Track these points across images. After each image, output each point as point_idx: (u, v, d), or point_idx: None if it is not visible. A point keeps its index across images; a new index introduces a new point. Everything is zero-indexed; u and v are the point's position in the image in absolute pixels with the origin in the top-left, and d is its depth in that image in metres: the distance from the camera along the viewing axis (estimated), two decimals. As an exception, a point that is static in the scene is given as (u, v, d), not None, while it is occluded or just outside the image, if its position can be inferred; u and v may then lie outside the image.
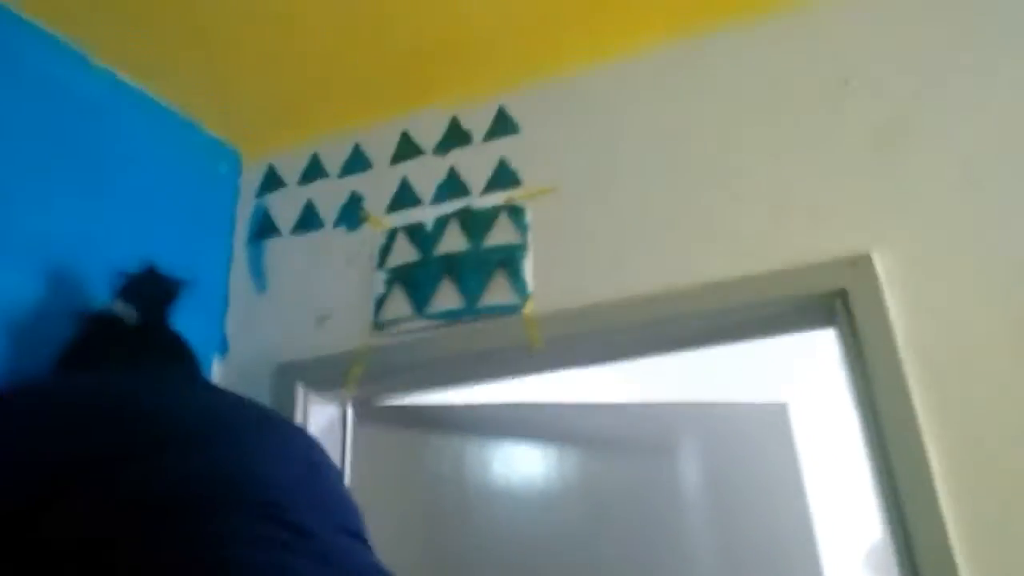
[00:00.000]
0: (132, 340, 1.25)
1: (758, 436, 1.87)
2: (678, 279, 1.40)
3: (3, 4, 1.41)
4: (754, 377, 2.06)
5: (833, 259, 1.32)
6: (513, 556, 1.75)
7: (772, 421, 1.88)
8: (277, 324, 1.71)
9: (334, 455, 1.67)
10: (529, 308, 1.49)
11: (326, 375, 1.61)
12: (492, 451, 1.82)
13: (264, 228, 1.82)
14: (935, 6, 1.43)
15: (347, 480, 1.67)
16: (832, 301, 1.33)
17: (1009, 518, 1.12)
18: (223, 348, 1.73)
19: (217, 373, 1.70)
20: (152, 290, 1.29)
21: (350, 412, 1.70)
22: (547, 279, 1.51)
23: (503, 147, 1.67)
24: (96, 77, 1.57)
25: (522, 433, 1.84)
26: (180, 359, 1.29)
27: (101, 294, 1.46)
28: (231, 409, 1.05)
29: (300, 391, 1.61)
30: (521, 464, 1.84)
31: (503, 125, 1.69)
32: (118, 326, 1.26)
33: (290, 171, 1.85)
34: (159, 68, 1.62)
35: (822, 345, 1.45)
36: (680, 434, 1.89)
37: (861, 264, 1.30)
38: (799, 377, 2.23)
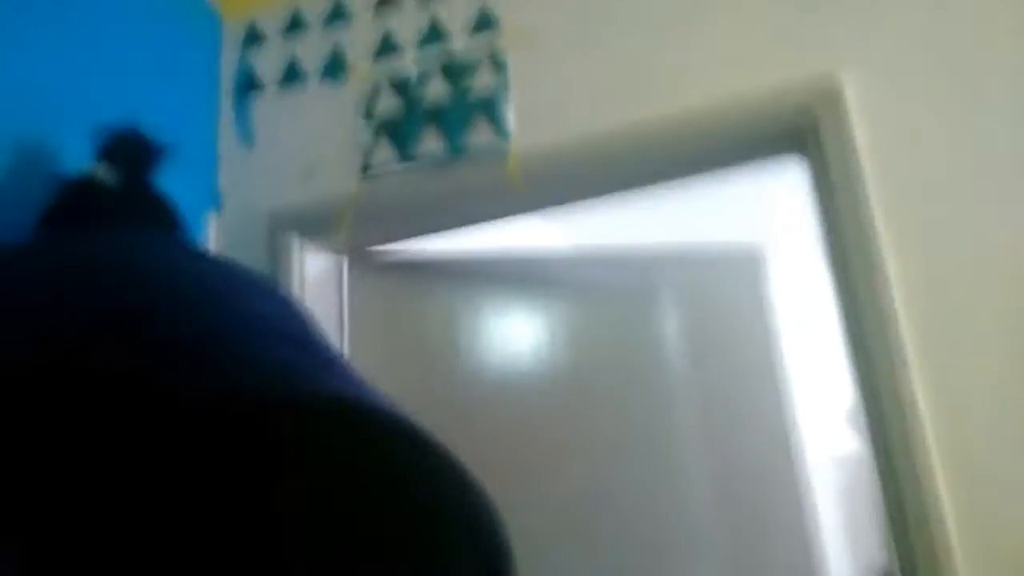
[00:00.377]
0: (116, 204, 1.20)
1: (732, 281, 1.96)
2: (651, 112, 1.44)
3: None
4: (733, 222, 2.13)
5: (801, 81, 1.36)
6: (502, 402, 1.87)
7: (746, 265, 1.96)
8: (268, 178, 1.76)
9: (330, 302, 1.76)
10: (510, 148, 1.54)
11: (318, 223, 1.67)
12: (482, 299, 1.91)
13: (248, 84, 1.84)
14: None
15: (344, 327, 1.77)
16: (801, 123, 1.37)
17: (959, 331, 1.21)
18: (216, 203, 1.78)
19: (212, 227, 1.76)
20: (135, 152, 1.24)
21: (345, 262, 1.78)
22: (527, 120, 1.56)
23: (485, -3, 1.67)
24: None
25: (511, 282, 1.92)
26: (166, 224, 1.24)
27: (80, 150, 1.50)
28: (226, 273, 0.99)
29: (295, 241, 1.67)
30: (510, 311, 1.94)
31: (482, -29, 1.68)
32: (100, 189, 1.20)
33: (272, 27, 1.85)
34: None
35: (798, 187, 1.51)
36: (660, 279, 1.97)
37: (828, 86, 1.34)
38: (778, 224, 2.30)
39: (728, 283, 1.96)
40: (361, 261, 1.79)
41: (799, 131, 1.38)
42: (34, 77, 1.45)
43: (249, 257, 1.69)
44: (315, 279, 1.73)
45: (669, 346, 1.96)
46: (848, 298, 1.27)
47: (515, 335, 1.95)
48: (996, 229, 1.22)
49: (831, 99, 1.33)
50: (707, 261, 1.96)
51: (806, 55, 1.38)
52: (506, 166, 1.52)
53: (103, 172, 1.22)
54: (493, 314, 1.94)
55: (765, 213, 2.25)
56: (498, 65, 1.61)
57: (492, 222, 1.67)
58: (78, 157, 1.44)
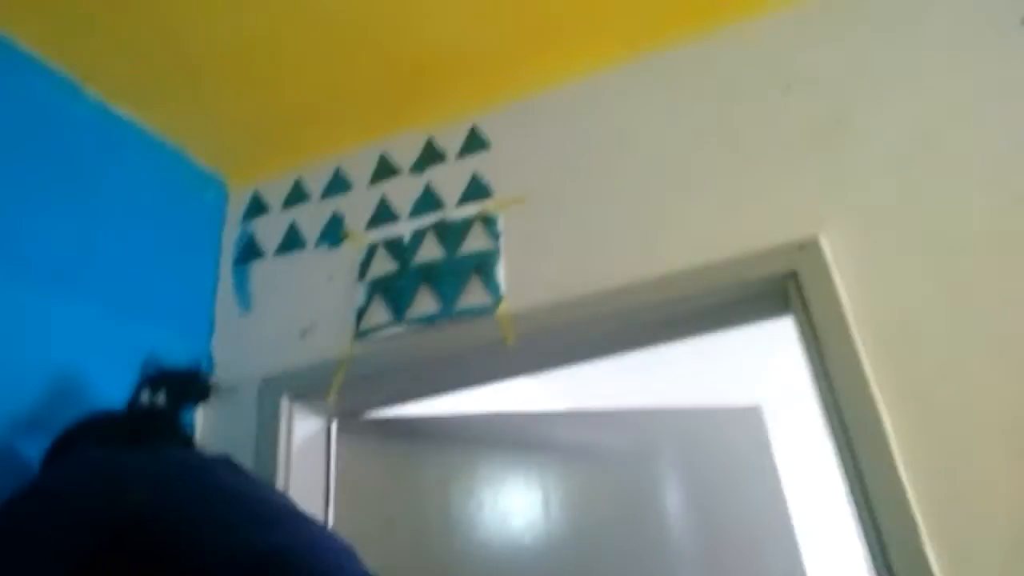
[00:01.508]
0: (161, 428, 1.28)
1: (734, 440, 1.91)
2: (639, 272, 1.47)
3: (5, 36, 1.51)
4: (728, 381, 2.11)
5: (783, 244, 1.39)
6: (498, 567, 1.77)
7: (747, 424, 1.92)
8: (262, 340, 1.76)
9: (317, 469, 1.71)
10: (502, 308, 1.55)
11: (310, 385, 1.65)
12: (475, 461, 1.85)
13: (249, 252, 1.89)
14: (863, 19, 1.55)
15: (331, 492, 1.70)
16: (784, 284, 1.39)
17: (960, 479, 1.16)
18: (209, 367, 1.77)
19: (204, 389, 1.74)
20: (189, 387, 1.34)
21: (335, 427, 1.74)
22: (519, 280, 1.58)
23: (475, 163, 1.76)
24: (87, 105, 1.66)
25: (505, 443, 1.88)
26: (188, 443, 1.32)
27: (89, 320, 1.52)
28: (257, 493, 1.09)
29: (285, 403, 1.65)
30: (505, 473, 1.87)
31: (475, 142, 1.78)
32: (155, 416, 1.30)
33: (274, 196, 1.93)
34: (148, 97, 1.72)
35: (792, 346, 1.51)
36: (659, 440, 1.92)
37: (809, 247, 1.37)
38: (772, 379, 2.28)
39: (730, 439, 1.91)
40: (351, 424, 1.76)
41: (784, 291, 1.39)
42: (47, 248, 1.50)
43: (239, 420, 1.67)
44: (303, 443, 1.69)
45: (671, 506, 1.88)
46: (848, 453, 1.24)
47: (511, 500, 1.88)
48: (985, 372, 1.20)
49: (813, 259, 1.36)
50: (707, 418, 1.92)
51: (787, 217, 1.42)
52: (499, 326, 1.53)
53: (147, 396, 1.32)
54: (488, 478, 1.87)
55: (761, 369, 2.24)
56: (490, 228, 1.66)
57: (486, 384, 1.65)
58: (86, 321, 1.47)
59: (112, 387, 1.54)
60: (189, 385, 1.32)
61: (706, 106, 1.59)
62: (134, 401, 1.28)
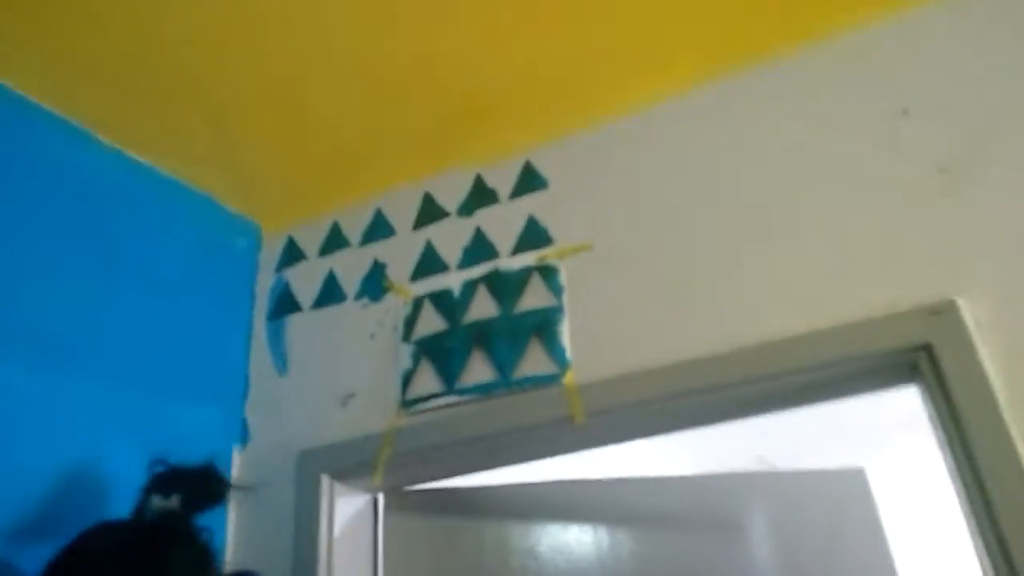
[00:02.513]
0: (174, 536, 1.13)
1: (835, 505, 1.67)
2: (734, 340, 1.25)
3: (9, 88, 1.36)
4: (826, 440, 1.87)
5: (912, 308, 1.15)
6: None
7: (849, 488, 1.69)
8: (300, 407, 1.59)
9: (364, 549, 1.53)
10: (569, 378, 1.35)
11: (352, 461, 1.47)
12: (537, 535, 1.65)
13: (284, 304, 1.72)
14: (999, 23, 1.29)
15: (379, 573, 1.53)
16: (914, 356, 1.16)
17: None
18: (244, 437, 1.61)
19: (237, 463, 1.58)
20: (203, 488, 1.18)
21: (380, 501, 1.56)
22: (587, 345, 1.37)
23: (531, 204, 1.55)
24: (104, 156, 1.51)
25: (569, 514, 1.67)
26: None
27: (109, 392, 1.37)
28: None
29: (325, 482, 1.48)
30: (571, 548, 1.67)
31: (530, 181, 1.57)
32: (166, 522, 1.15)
33: (310, 242, 1.76)
34: (168, 144, 1.56)
35: (900, 402, 1.28)
36: (746, 507, 1.70)
37: (946, 312, 1.14)
38: (876, 439, 2.03)
39: (829, 505, 1.68)
40: (399, 498, 1.58)
41: (913, 363, 1.16)
42: (68, 313, 1.36)
43: (276, 496, 1.50)
44: (347, 521, 1.51)
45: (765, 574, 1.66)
46: (995, 541, 1.02)
47: (578, 572, 1.67)
48: None
49: (950, 327, 1.12)
50: (804, 481, 1.69)
51: (916, 275, 1.19)
52: (567, 401, 1.32)
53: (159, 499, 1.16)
54: (551, 550, 1.67)
55: (864, 432, 1.99)
56: (551, 280, 1.45)
57: (548, 458, 1.45)
58: (107, 394, 1.33)
59: (135, 475, 1.38)
60: (203, 485, 1.15)
61: (802, 137, 1.36)
62: (142, 506, 1.11)
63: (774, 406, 1.29)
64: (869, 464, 1.70)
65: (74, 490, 1.27)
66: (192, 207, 1.68)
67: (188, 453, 1.48)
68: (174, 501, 1.13)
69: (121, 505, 1.30)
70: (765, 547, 1.69)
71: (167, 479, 1.14)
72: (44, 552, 1.06)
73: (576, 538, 1.68)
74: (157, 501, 1.12)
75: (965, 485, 1.09)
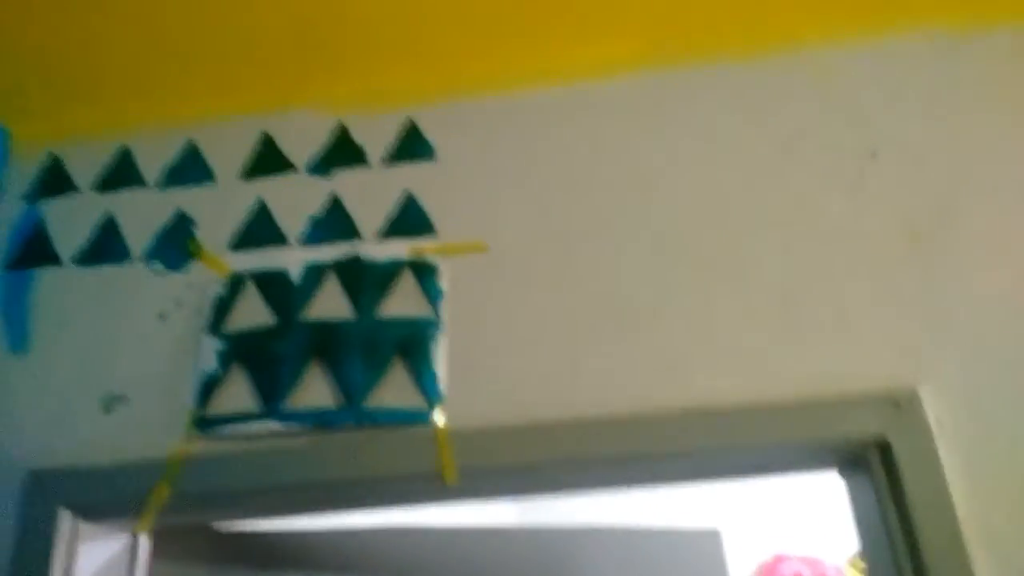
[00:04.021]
0: None
1: (687, 567, 1.51)
2: (652, 400, 1.00)
3: None
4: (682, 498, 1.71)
5: (868, 394, 0.97)
6: None
7: (703, 549, 1.53)
8: (38, 404, 1.11)
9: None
10: (440, 420, 1.02)
11: (109, 495, 1.04)
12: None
13: (34, 250, 1.21)
14: (989, 69, 1.14)
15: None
16: (865, 449, 0.97)
17: None
18: (-60, 437, 1.10)
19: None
20: None
21: (143, 544, 1.14)
22: (467, 376, 1.05)
23: (411, 176, 1.19)
24: None
25: (387, 565, 1.35)
26: None
27: None
28: None
29: (65, 519, 1.03)
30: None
31: (413, 146, 1.21)
32: None
33: (84, 169, 1.26)
34: None
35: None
36: (592, 564, 1.48)
37: (906, 404, 0.96)
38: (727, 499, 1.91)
39: (682, 566, 1.51)
40: (171, 542, 1.16)
41: (861, 455, 0.98)
42: None
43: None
44: (94, 567, 1.08)
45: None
46: None
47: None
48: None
49: (910, 420, 0.95)
50: (655, 543, 1.50)
51: (873, 356, 1.01)
52: (436, 454, 0.99)
53: None
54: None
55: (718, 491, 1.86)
56: (428, 282, 1.11)
57: (399, 508, 1.12)
58: None
59: None
60: None
61: (763, 157, 1.13)
62: None
63: (687, 478, 1.06)
64: (725, 528, 1.55)
65: None
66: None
67: None
68: None
69: None
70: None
71: None
72: None
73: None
74: None
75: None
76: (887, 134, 1.12)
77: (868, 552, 1.02)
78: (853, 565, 2.19)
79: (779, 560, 2.08)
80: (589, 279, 1.09)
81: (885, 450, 0.96)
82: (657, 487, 1.09)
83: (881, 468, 0.97)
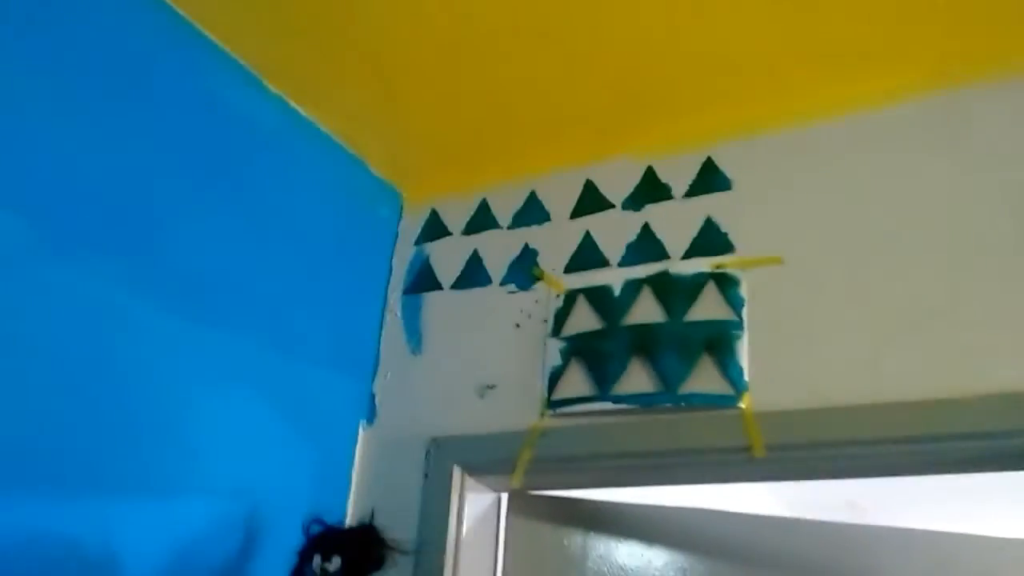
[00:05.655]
0: None
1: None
2: (952, 385, 1.09)
3: (190, 22, 1.30)
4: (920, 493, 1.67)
5: None
6: None
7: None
8: (432, 391, 1.50)
9: (487, 550, 1.43)
10: (746, 403, 1.21)
11: (487, 458, 1.38)
12: (680, 565, 1.52)
13: (423, 279, 1.63)
14: None
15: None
16: None
17: None
18: (371, 415, 1.53)
19: (363, 442, 1.50)
20: (364, 552, 1.11)
21: (503, 501, 1.46)
22: (769, 369, 1.23)
23: (710, 205, 1.42)
24: (269, 102, 1.44)
25: (714, 547, 1.53)
26: None
27: (241, 343, 1.30)
28: None
29: (457, 474, 1.39)
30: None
31: (711, 179, 1.43)
32: None
33: (455, 218, 1.66)
34: (331, 97, 1.48)
35: None
36: (886, 564, 1.52)
37: None
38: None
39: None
40: (522, 502, 1.47)
41: None
42: (214, 247, 1.29)
43: (401, 481, 1.42)
44: (475, 518, 1.42)
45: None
46: None
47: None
48: None
49: None
50: (949, 548, 1.50)
51: None
52: (743, 430, 1.19)
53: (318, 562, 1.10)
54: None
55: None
56: (730, 292, 1.32)
57: (713, 484, 1.32)
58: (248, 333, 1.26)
59: (265, 433, 1.31)
60: (364, 549, 1.09)
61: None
62: (300, 569, 1.07)
63: (993, 466, 1.13)
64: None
65: (188, 438, 1.20)
66: (343, 168, 1.61)
67: (316, 421, 1.42)
68: (334, 564, 1.05)
69: (247, 454, 1.25)
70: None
71: (328, 541, 1.08)
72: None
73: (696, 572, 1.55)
74: (317, 563, 1.05)
75: None
76: None
77: None
78: None
79: None
80: (881, 284, 1.22)
81: None
82: (959, 472, 1.16)
83: None
